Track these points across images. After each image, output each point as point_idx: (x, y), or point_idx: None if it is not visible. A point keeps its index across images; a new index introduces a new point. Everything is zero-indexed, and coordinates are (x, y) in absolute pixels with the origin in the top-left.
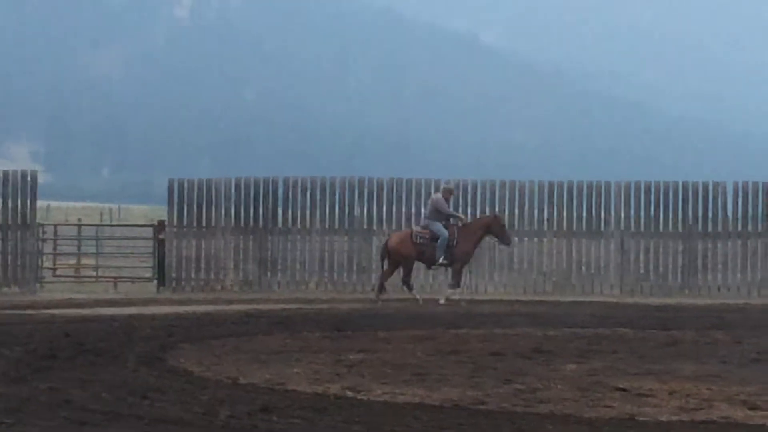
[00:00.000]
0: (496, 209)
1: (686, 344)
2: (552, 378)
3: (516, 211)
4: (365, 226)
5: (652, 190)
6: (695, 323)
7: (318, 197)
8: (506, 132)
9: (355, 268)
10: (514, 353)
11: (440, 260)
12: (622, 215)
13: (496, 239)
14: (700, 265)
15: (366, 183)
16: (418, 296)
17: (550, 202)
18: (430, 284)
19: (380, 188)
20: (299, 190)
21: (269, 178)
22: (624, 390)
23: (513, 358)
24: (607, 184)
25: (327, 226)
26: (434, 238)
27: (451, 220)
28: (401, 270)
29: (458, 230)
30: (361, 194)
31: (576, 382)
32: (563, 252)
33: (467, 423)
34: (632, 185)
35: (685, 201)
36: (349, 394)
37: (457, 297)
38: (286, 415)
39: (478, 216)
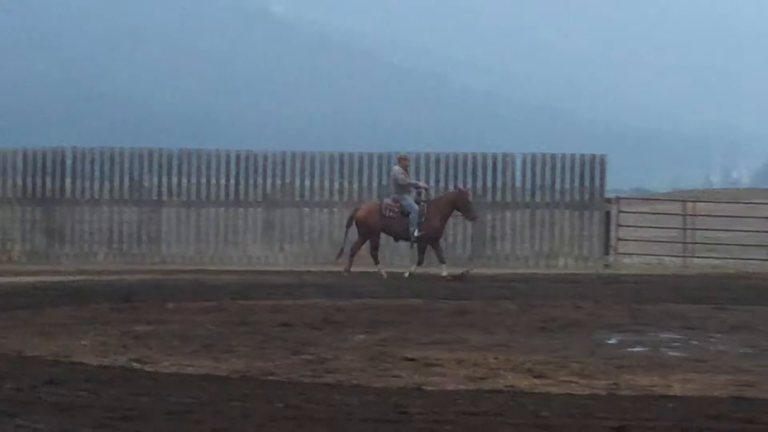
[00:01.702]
0: (287, 180)
1: (475, 314)
2: (341, 348)
3: (307, 182)
4: (154, 198)
5: (442, 160)
6: (484, 293)
7: (107, 168)
8: (298, 103)
9: (144, 239)
10: (304, 324)
11: (415, 234)
12: None
13: (461, 214)
14: (489, 235)
15: (155, 154)
16: (383, 271)
17: (341, 173)
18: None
19: (170, 159)
20: (87, 161)
21: (57, 148)
22: (412, 360)
23: (302, 329)
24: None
25: (116, 198)
26: (404, 212)
27: (422, 195)
28: (369, 242)
29: (427, 206)
30: (150, 165)
31: (365, 352)
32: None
33: (255, 394)
34: (422, 156)
35: (473, 172)
36: (136, 365)
37: (444, 273)
38: (72, 387)
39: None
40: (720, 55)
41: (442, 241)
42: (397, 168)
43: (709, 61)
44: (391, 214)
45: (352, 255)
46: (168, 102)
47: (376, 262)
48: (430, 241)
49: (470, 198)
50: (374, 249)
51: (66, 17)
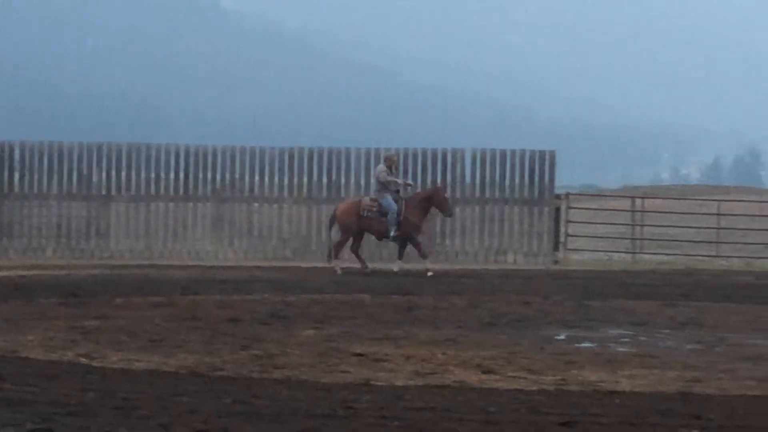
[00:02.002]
0: (236, 175)
1: (424, 309)
2: (289, 344)
3: (256, 178)
4: (103, 192)
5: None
6: (433, 288)
7: (55, 162)
8: (248, 98)
9: (93, 234)
10: (252, 319)
11: (393, 233)
12: (362, 181)
13: (438, 210)
14: (438, 230)
15: (104, 148)
16: (338, 267)
17: (291, 169)
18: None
19: (119, 154)
20: (36, 154)
21: (5, 142)
22: (361, 355)
23: (251, 324)
24: (347, 151)
25: (64, 192)
26: (382, 212)
27: (401, 192)
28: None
29: (405, 203)
30: (99, 160)
31: (313, 347)
32: (303, 218)
33: (203, 390)
34: (372, 151)
35: (424, 167)
36: (84, 361)
37: (429, 266)
38: (20, 382)
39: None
40: (669, 53)
41: (422, 236)
42: (381, 167)
43: (659, 60)
44: (369, 213)
45: (337, 252)
46: (117, 96)
47: (335, 256)
48: (407, 237)
49: (447, 194)
50: (339, 245)
51: (7, 7)
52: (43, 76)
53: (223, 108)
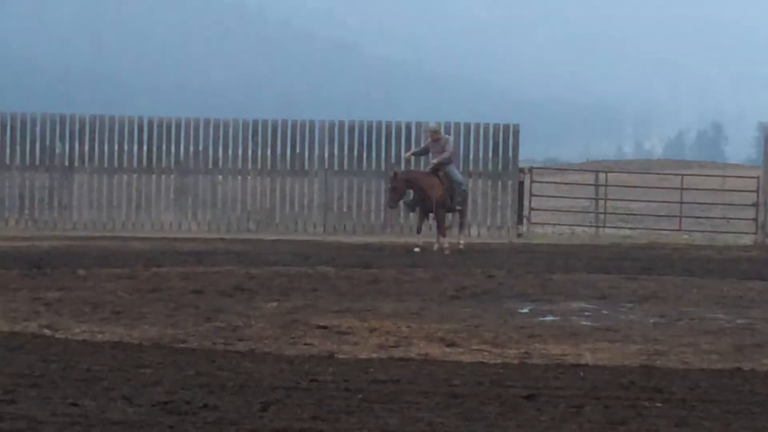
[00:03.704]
0: (200, 147)
1: (387, 282)
2: (253, 316)
3: (220, 149)
4: (66, 164)
5: (356, 129)
6: (397, 262)
7: (18, 133)
8: (208, 70)
9: (55, 205)
10: (216, 291)
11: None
12: (326, 154)
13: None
14: (402, 204)
15: (67, 120)
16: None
17: (254, 141)
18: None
19: (82, 125)
20: None
21: None
22: (324, 328)
23: (214, 296)
24: (311, 123)
25: (27, 163)
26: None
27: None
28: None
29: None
30: (62, 131)
31: (277, 320)
32: (267, 190)
33: (166, 361)
34: (336, 124)
35: (387, 140)
36: (47, 332)
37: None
38: None
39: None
40: (632, 26)
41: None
42: (450, 138)
43: (622, 33)
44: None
45: (444, 231)
46: (80, 67)
47: (444, 234)
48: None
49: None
50: (444, 222)
51: None
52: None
53: (185, 80)
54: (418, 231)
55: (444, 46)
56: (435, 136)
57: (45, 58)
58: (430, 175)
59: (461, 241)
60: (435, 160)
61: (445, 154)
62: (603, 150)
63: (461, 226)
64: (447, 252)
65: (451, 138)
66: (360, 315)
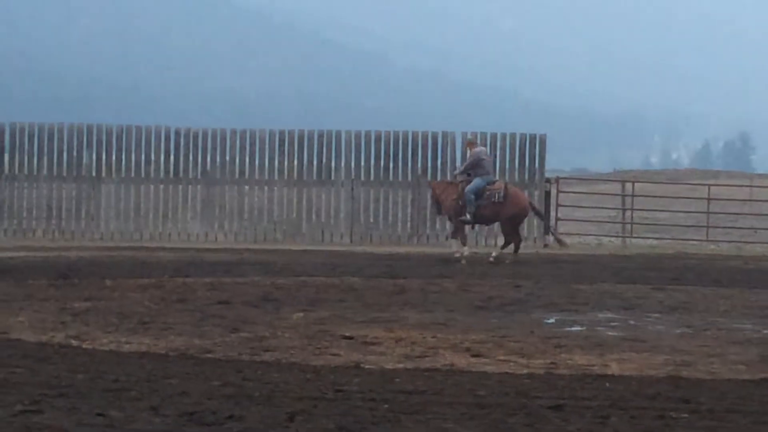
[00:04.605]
0: (226, 157)
1: (413, 292)
2: (279, 326)
3: (247, 160)
4: (93, 174)
5: (382, 139)
6: (423, 272)
7: (45, 144)
8: (235, 81)
9: (83, 215)
10: (242, 302)
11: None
12: (353, 164)
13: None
14: (429, 214)
15: (94, 130)
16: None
17: (281, 151)
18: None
19: (109, 135)
20: (26, 136)
21: None
22: (350, 338)
23: (240, 307)
24: (338, 133)
25: (54, 173)
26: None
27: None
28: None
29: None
30: (89, 141)
31: (303, 330)
32: (294, 201)
33: (193, 372)
34: (362, 134)
35: (414, 150)
36: (74, 342)
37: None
38: (9, 364)
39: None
40: (659, 37)
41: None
42: (481, 149)
43: (649, 43)
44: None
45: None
46: (106, 78)
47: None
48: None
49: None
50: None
51: None
52: (32, 64)
53: (213, 90)
54: (451, 237)
55: (471, 56)
56: (469, 147)
57: (71, 70)
58: (449, 185)
59: (493, 254)
60: (456, 172)
61: (462, 166)
62: (630, 160)
63: (505, 239)
64: (462, 261)
65: (477, 149)
66: (386, 325)
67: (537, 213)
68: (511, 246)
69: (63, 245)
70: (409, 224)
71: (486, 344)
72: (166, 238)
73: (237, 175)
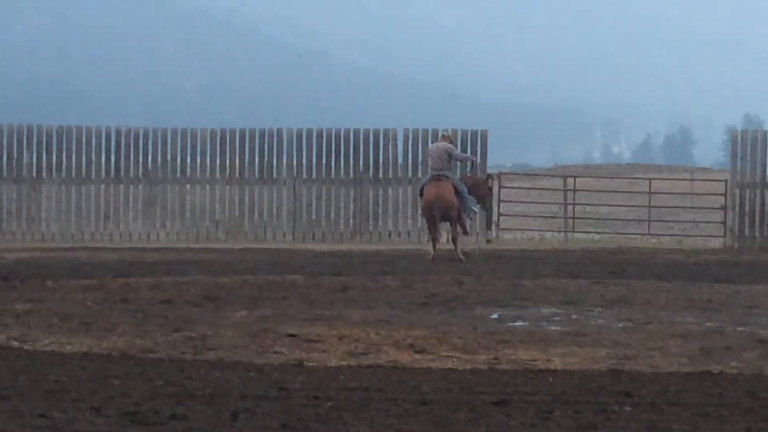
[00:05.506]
0: (168, 156)
1: (356, 290)
2: (222, 325)
3: (188, 159)
4: (34, 175)
5: (324, 137)
6: (366, 269)
7: None
8: (176, 79)
9: (23, 217)
10: (184, 301)
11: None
12: (294, 162)
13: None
14: (371, 211)
15: (35, 130)
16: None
17: (222, 150)
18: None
19: (49, 136)
20: None
21: None
22: (293, 336)
23: (183, 306)
24: (279, 131)
25: None
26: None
27: (468, 165)
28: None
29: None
30: (29, 142)
31: (246, 328)
32: (236, 199)
33: (135, 372)
34: (304, 132)
35: (356, 148)
36: (15, 344)
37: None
38: None
39: None
40: (599, 31)
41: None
42: (444, 143)
43: (589, 38)
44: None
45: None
46: (46, 77)
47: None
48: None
49: (491, 186)
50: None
51: None
52: None
53: (151, 89)
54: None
55: (412, 53)
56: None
57: (11, 69)
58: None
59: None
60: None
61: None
62: (572, 154)
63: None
64: (430, 258)
65: (431, 145)
66: (329, 323)
67: (448, 206)
68: (459, 240)
69: (4, 247)
70: (351, 222)
71: (429, 340)
72: (108, 239)
73: (178, 175)
